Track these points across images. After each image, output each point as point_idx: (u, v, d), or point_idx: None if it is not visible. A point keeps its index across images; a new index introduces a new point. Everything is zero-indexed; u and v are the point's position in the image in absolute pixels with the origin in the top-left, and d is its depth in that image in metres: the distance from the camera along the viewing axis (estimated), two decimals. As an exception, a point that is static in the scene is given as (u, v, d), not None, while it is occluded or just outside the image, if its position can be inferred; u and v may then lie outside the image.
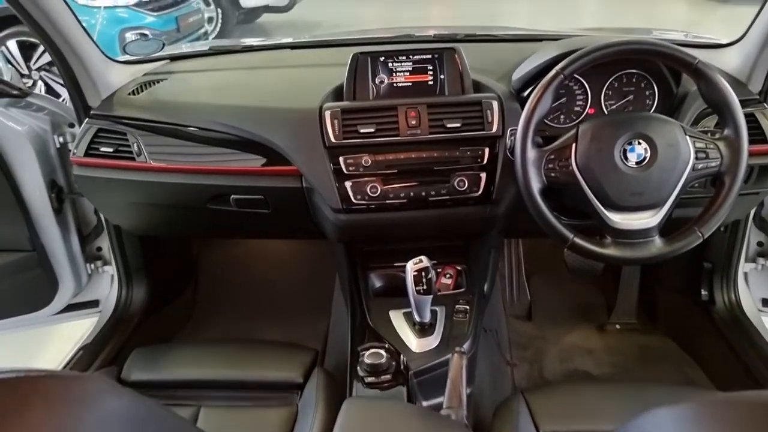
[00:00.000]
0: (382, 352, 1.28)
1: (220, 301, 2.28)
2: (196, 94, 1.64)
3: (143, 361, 1.45)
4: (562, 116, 1.50)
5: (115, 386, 0.58)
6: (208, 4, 7.10)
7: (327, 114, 1.41)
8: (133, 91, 1.63)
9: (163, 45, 1.77)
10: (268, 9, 8.05)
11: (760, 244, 1.85)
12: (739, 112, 1.24)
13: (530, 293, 2.23)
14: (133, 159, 1.52)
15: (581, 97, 1.49)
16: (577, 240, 1.26)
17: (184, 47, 2.12)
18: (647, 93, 1.49)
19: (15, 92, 1.67)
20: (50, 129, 1.71)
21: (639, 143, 1.24)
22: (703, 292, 1.91)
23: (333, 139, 1.40)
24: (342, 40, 1.96)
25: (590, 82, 1.48)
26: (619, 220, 1.25)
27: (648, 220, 1.25)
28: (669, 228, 1.26)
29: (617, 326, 2.14)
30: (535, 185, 1.26)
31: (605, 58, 1.26)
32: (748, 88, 1.55)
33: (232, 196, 1.52)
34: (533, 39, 1.84)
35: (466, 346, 1.36)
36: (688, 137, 1.25)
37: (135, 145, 1.52)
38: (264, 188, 1.49)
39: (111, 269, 1.95)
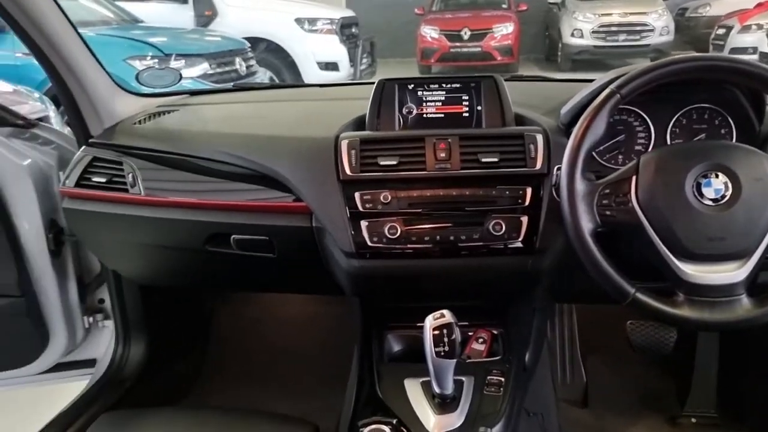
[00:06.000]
0: (386, 429, 1.02)
1: (230, 364, 2.05)
2: (204, 124, 1.51)
3: (111, 428, 1.23)
4: (620, 156, 1.27)
5: None
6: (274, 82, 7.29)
7: (343, 144, 1.23)
8: (139, 120, 1.51)
9: (180, 77, 1.65)
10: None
11: None
12: None
13: (586, 374, 1.90)
14: (126, 191, 1.37)
15: (643, 134, 1.27)
16: (641, 296, 1.00)
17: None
18: (722, 132, 1.24)
19: (19, 122, 1.57)
20: (56, 164, 1.59)
21: (717, 176, 1.00)
22: None
23: (348, 172, 1.22)
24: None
25: (653, 118, 1.26)
26: (693, 272, 0.99)
27: (733, 273, 0.98)
28: (754, 292, 1.00)
29: (693, 419, 1.77)
30: (586, 225, 1.02)
31: (670, 76, 1.05)
32: None
33: (233, 237, 1.33)
34: (590, 80, 1.63)
35: (497, 428, 1.10)
36: None
37: (130, 175, 1.37)
38: (269, 227, 1.30)
39: (112, 324, 1.76)
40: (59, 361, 1.70)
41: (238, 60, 5.98)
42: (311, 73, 7.35)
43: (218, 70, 5.64)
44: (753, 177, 0.99)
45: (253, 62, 6.34)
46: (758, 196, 0.98)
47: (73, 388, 1.69)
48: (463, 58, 10.05)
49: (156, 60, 5.02)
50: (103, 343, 1.78)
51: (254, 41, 6.71)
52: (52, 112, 3.26)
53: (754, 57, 8.55)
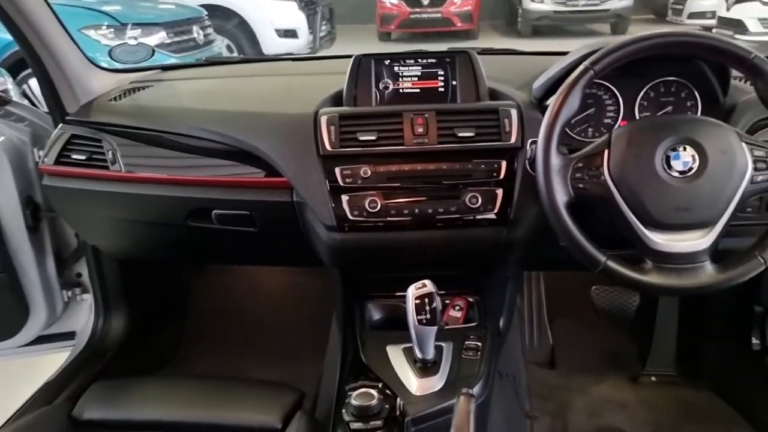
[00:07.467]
0: (374, 392, 1.08)
1: (209, 334, 2.09)
2: (180, 100, 1.51)
3: (102, 397, 1.26)
4: (590, 129, 1.33)
5: None
6: (231, 51, 7.14)
7: (323, 119, 1.26)
8: (114, 97, 1.51)
9: (153, 52, 1.64)
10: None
11: None
12: None
13: (552, 337, 2.00)
14: (106, 168, 1.37)
15: (612, 108, 1.33)
16: (611, 263, 1.07)
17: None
18: (688, 104, 1.31)
19: (-9, 100, 1.55)
20: (30, 141, 1.58)
21: (685, 149, 1.06)
22: (755, 341, 1.69)
23: (328, 147, 1.25)
24: (349, 54, 1.82)
25: (622, 91, 1.31)
26: (661, 240, 1.06)
27: (697, 241, 1.05)
28: (717, 258, 1.07)
29: (653, 378, 1.90)
30: (560, 197, 1.08)
31: (642, 52, 1.09)
32: None
33: (214, 212, 1.36)
34: (561, 53, 1.67)
35: (476, 389, 1.16)
36: (744, 144, 1.06)
37: (110, 152, 1.37)
38: (250, 202, 1.33)
39: (90, 297, 1.78)
40: (40, 334, 1.72)
41: (195, 28, 5.83)
42: (269, 41, 7.22)
43: (176, 39, 5.50)
44: (719, 150, 1.04)
45: (210, 30, 6.19)
46: (723, 168, 1.04)
47: (55, 359, 1.72)
48: (423, 24, 10.03)
49: (112, 29, 4.86)
50: (82, 316, 1.80)
51: (211, 9, 6.55)
52: (10, 84, 3.17)
53: (713, 21, 8.69)
